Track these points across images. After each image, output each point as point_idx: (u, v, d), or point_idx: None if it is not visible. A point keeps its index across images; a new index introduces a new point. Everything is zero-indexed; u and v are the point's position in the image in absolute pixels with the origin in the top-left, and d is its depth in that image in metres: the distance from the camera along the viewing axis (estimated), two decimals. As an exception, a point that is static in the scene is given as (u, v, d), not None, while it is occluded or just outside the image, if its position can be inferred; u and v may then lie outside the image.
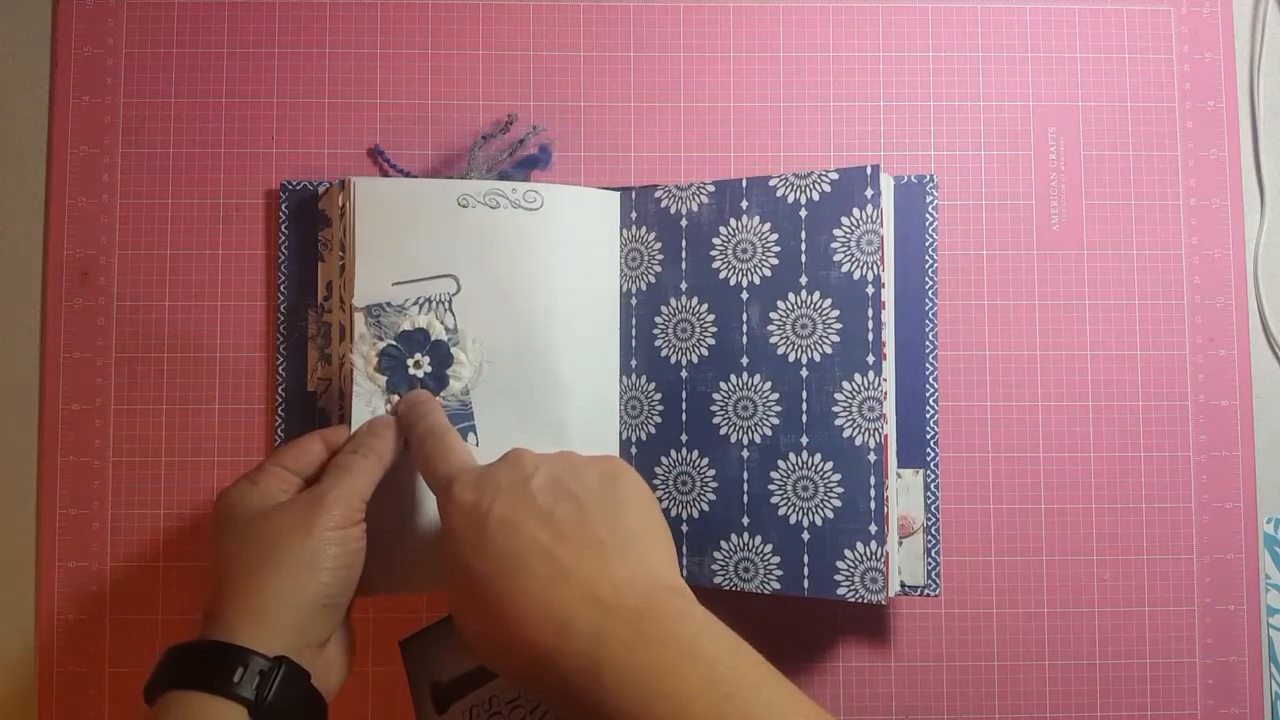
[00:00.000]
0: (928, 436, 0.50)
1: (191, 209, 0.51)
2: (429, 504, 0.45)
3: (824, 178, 0.47)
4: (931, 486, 0.50)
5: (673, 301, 0.48)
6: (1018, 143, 0.53)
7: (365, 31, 0.52)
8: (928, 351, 0.50)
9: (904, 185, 0.51)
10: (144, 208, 0.51)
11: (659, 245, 0.48)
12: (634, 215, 0.49)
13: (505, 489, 0.37)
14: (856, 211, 0.46)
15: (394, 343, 0.45)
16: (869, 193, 0.46)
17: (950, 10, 0.53)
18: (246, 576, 0.38)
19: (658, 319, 0.48)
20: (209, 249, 0.51)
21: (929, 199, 0.51)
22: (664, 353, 0.48)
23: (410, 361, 0.46)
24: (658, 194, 0.49)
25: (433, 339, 0.46)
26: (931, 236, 0.51)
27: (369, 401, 0.45)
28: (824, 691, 0.50)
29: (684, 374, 0.48)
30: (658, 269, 0.48)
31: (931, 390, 0.50)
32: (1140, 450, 0.52)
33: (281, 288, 0.51)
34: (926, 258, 0.50)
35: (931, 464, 0.50)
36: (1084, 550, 0.51)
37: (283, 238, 0.51)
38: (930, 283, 0.50)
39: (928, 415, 0.50)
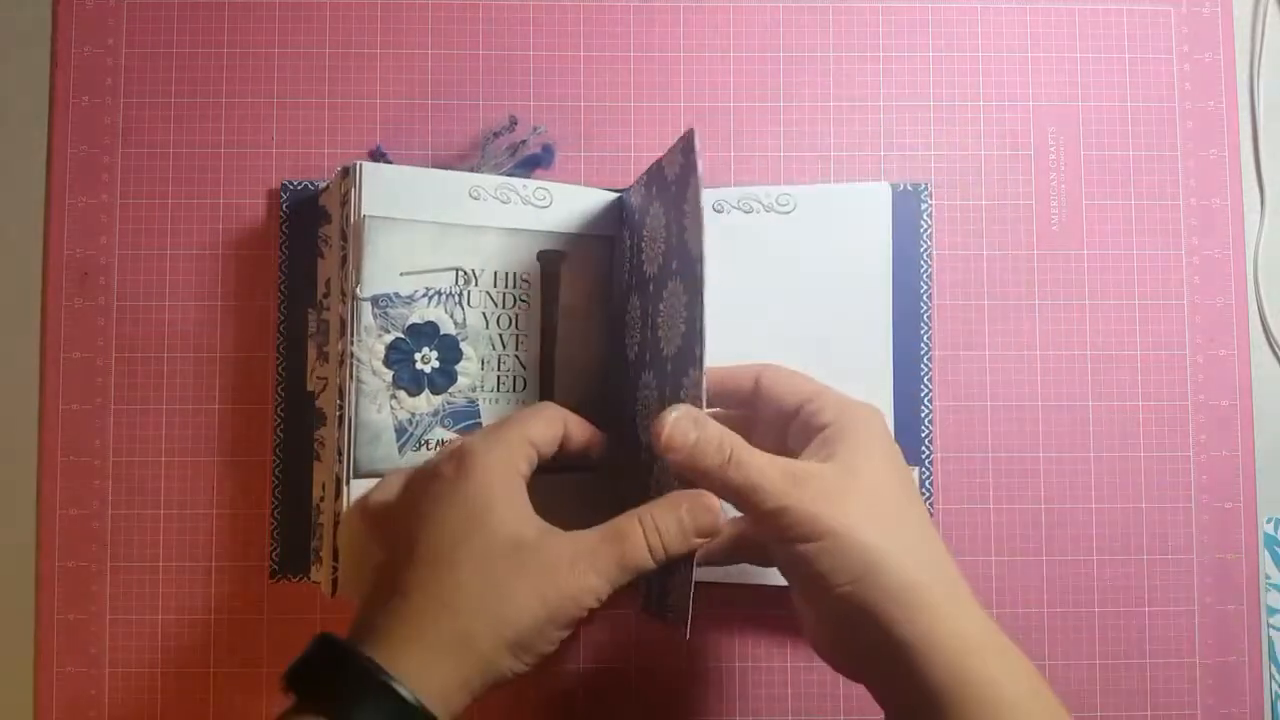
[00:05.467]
0: (923, 436, 0.50)
1: (191, 209, 0.51)
2: None
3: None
4: (927, 484, 0.50)
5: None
6: (1018, 143, 0.53)
7: (365, 31, 0.52)
8: (922, 353, 0.50)
9: (900, 193, 0.51)
10: (144, 208, 0.51)
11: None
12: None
13: None
14: None
15: (402, 335, 0.44)
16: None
17: (950, 10, 0.53)
18: (468, 590, 0.33)
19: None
20: (209, 249, 0.51)
21: (924, 205, 0.51)
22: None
23: (418, 356, 0.45)
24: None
25: (442, 333, 0.45)
26: (926, 242, 0.51)
27: (375, 398, 0.44)
28: (825, 690, 0.50)
29: None
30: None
31: (926, 390, 0.50)
32: (1140, 450, 0.51)
33: (281, 288, 0.51)
34: (922, 262, 0.50)
35: (926, 461, 0.50)
36: (1084, 550, 0.51)
37: (283, 238, 0.51)
38: (925, 286, 0.50)
39: (922, 415, 0.50)
